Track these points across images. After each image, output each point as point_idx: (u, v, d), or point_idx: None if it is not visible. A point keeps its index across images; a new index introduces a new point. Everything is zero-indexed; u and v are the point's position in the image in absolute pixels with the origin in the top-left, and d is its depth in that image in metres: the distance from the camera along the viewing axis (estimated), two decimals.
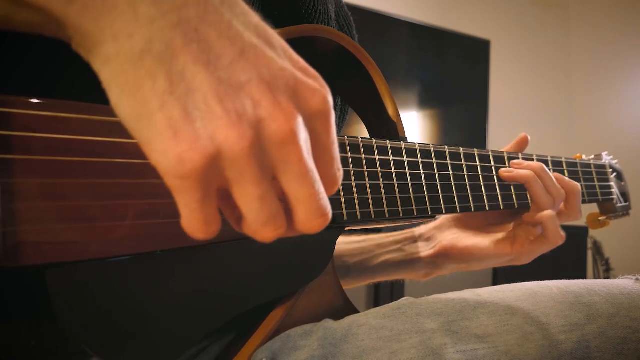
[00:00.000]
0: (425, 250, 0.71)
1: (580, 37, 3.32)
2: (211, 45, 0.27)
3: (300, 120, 0.28)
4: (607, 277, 2.63)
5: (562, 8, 3.36)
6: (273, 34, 0.30)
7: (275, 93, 0.27)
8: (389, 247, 0.72)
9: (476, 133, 2.81)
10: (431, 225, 0.73)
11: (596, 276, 2.72)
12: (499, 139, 2.87)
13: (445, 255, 0.69)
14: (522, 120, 3.13)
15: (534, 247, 0.63)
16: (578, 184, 0.66)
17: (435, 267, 0.71)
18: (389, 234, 0.74)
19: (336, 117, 0.55)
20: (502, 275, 2.25)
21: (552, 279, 0.52)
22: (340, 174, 0.31)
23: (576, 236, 2.60)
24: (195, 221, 0.27)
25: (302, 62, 0.30)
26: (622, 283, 0.51)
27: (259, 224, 0.28)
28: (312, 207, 0.29)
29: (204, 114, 0.26)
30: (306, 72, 0.30)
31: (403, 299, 0.50)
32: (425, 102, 2.68)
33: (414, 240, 0.72)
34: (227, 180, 0.27)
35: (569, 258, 2.58)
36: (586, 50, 3.30)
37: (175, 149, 0.25)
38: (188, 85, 0.26)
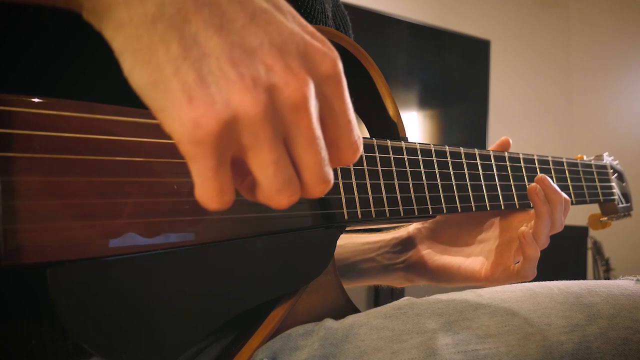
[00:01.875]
0: (396, 262, 0.70)
1: (580, 37, 3.32)
2: (223, 9, 0.27)
3: (312, 86, 0.28)
4: (607, 277, 2.63)
5: (562, 8, 3.36)
6: (281, 0, 0.30)
7: (286, 58, 0.27)
8: (365, 255, 0.71)
9: (476, 133, 2.81)
10: (405, 233, 0.71)
11: (596, 276, 2.72)
12: (499, 139, 2.86)
13: (415, 270, 0.69)
14: (522, 120, 3.13)
15: (507, 278, 0.61)
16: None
17: (406, 279, 0.70)
18: (365, 240, 0.73)
19: None
20: None
21: (552, 279, 0.52)
22: (360, 141, 0.31)
23: (576, 236, 2.60)
24: (209, 189, 0.27)
25: (310, 27, 0.30)
26: (622, 284, 0.51)
27: (274, 189, 0.28)
28: (317, 173, 0.29)
29: (219, 78, 0.26)
30: (315, 37, 0.30)
31: (404, 298, 0.50)
32: (425, 102, 2.68)
33: (388, 249, 0.71)
34: (242, 146, 0.27)
35: (569, 258, 2.58)
36: (586, 50, 3.30)
37: (191, 114, 0.25)
38: (202, 50, 0.26)
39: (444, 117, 2.79)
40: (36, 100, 0.33)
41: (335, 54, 0.29)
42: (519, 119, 3.12)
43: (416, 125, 2.64)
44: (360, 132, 0.31)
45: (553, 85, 3.32)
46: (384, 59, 2.47)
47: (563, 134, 3.29)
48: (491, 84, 2.86)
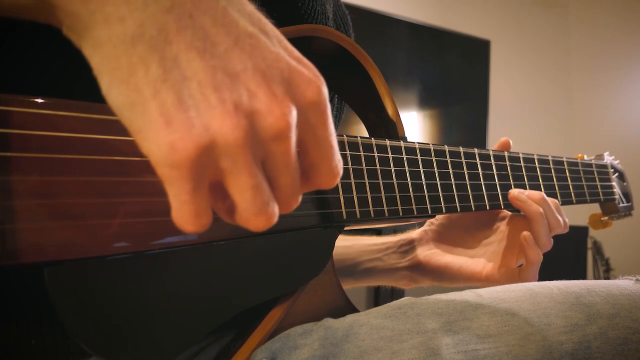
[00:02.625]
0: (401, 262, 0.72)
1: (580, 37, 3.32)
2: (206, 32, 0.26)
3: (294, 114, 0.27)
4: (607, 277, 2.63)
5: (562, 8, 3.36)
6: (267, 23, 0.29)
7: (270, 84, 0.27)
8: (371, 255, 0.73)
9: (476, 133, 2.81)
10: (413, 235, 0.73)
11: (596, 276, 2.72)
12: (499, 138, 2.85)
13: (419, 270, 0.70)
14: (522, 120, 3.13)
15: (508, 279, 0.62)
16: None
17: (411, 279, 0.72)
18: (372, 242, 0.75)
19: (332, 116, 0.54)
20: None
21: (552, 279, 0.52)
22: (340, 165, 0.31)
23: (576, 236, 2.60)
24: (185, 213, 0.27)
25: (296, 52, 0.30)
26: (622, 284, 0.51)
27: (252, 213, 0.28)
28: (286, 194, 0.29)
29: (199, 102, 0.25)
30: (300, 62, 0.29)
31: (404, 298, 0.50)
32: (425, 102, 2.68)
33: (394, 250, 0.73)
34: (221, 171, 0.27)
35: (569, 258, 2.57)
36: (586, 50, 3.30)
37: (167, 137, 0.25)
38: (182, 73, 0.26)
39: (444, 117, 2.78)
40: (34, 100, 0.33)
41: (320, 81, 0.29)
42: (519, 119, 3.11)
43: (416, 125, 2.64)
44: (340, 156, 0.31)
45: (553, 84, 3.32)
46: (384, 59, 2.47)
47: (563, 133, 3.29)
48: (491, 83, 2.86)
